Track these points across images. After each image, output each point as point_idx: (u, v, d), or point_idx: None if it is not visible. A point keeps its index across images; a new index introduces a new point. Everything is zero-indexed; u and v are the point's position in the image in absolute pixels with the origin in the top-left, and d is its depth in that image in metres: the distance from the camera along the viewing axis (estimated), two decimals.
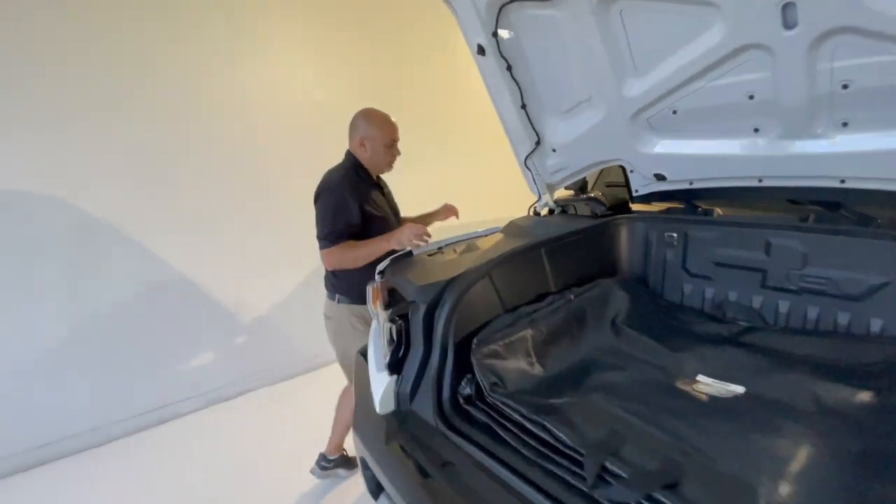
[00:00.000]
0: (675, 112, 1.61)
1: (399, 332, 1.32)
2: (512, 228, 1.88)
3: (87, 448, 2.61)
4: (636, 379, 1.28)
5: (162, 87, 2.70)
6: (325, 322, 2.09)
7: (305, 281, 3.42)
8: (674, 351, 1.39)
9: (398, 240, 1.74)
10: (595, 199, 2.02)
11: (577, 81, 1.75)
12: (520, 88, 1.86)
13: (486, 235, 1.97)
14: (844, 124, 1.33)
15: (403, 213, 2.18)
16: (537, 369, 1.30)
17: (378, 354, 1.43)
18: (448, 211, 2.19)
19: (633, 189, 1.96)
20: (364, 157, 1.96)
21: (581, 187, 2.64)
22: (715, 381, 1.26)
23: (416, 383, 1.26)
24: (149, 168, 2.72)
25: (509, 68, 1.81)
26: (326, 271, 2.01)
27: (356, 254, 1.79)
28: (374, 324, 1.62)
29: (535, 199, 2.22)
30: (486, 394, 1.17)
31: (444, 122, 4.10)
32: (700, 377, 1.29)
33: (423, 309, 1.28)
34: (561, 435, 0.99)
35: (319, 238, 1.82)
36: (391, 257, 1.68)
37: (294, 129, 3.26)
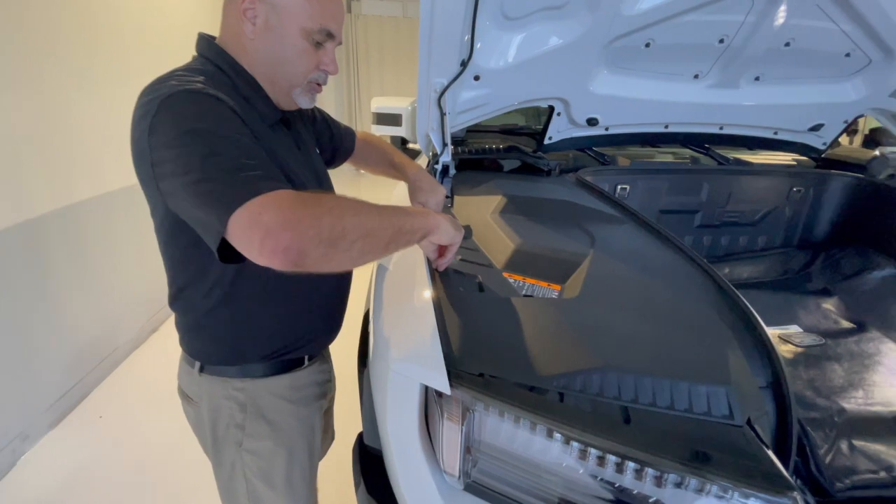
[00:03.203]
0: (647, 45, 1.40)
1: None
2: (525, 204, 1.19)
3: None
4: None
5: None
6: (183, 406, 1.00)
7: None
8: None
9: (440, 230, 0.79)
10: (518, 149, 1.56)
11: None
12: None
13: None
14: (757, 78, 1.55)
15: None
16: None
17: None
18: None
19: (547, 136, 1.63)
20: (251, 54, 0.80)
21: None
22: (778, 328, 1.31)
23: None
24: None
25: None
26: (178, 295, 0.86)
27: (359, 221, 0.65)
28: None
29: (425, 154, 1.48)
30: None
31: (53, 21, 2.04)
32: None
33: None
34: None
35: (218, 201, 0.61)
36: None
37: None
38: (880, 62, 1.42)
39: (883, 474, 0.76)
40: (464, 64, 1.29)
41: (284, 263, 0.58)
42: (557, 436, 0.64)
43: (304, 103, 0.87)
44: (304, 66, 0.82)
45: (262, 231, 0.57)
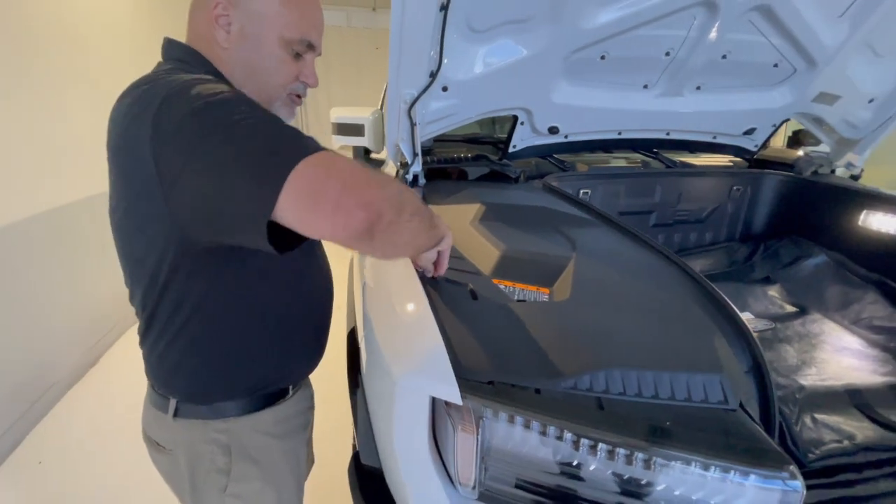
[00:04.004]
0: (603, 57, 1.48)
1: None
2: (502, 212, 1.21)
3: None
4: None
5: None
6: (151, 455, 0.90)
7: None
8: None
9: (448, 237, 0.82)
10: (486, 158, 1.59)
11: None
12: None
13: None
14: (698, 88, 1.67)
15: None
16: None
17: None
18: None
19: (511, 144, 1.68)
20: (226, 63, 0.75)
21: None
22: None
23: None
24: None
25: None
26: (152, 328, 0.77)
27: (408, 197, 0.62)
28: None
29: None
30: None
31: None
32: None
33: None
34: None
35: (273, 158, 0.52)
36: None
37: None
38: (804, 71, 1.59)
39: (846, 443, 0.85)
40: (433, 75, 1.31)
41: (359, 225, 0.52)
42: (569, 435, 0.66)
43: (284, 116, 0.83)
44: (282, 77, 0.78)
45: (339, 182, 0.51)
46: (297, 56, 0.78)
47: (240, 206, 0.54)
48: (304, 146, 0.53)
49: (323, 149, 0.55)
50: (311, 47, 0.79)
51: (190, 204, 0.59)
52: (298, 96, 0.84)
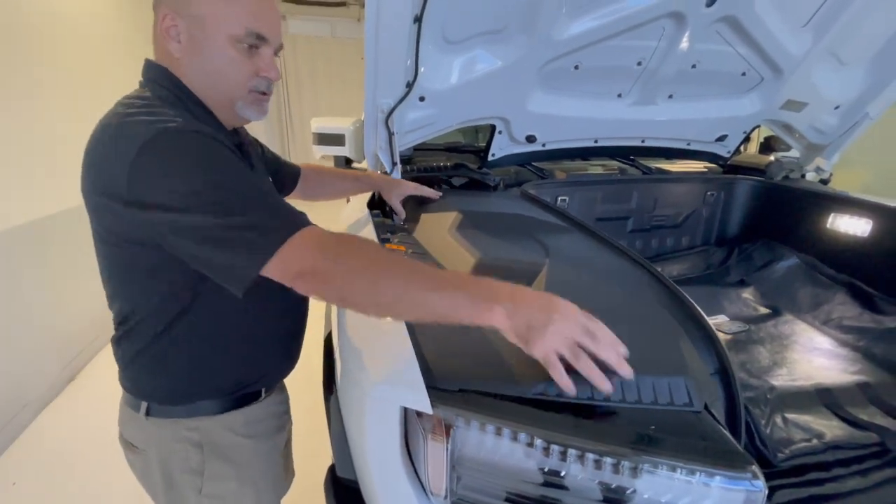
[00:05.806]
0: (576, 67, 1.51)
1: None
2: (482, 220, 1.22)
3: None
4: None
5: None
6: (126, 456, 0.91)
7: None
8: None
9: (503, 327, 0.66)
10: (465, 166, 1.60)
11: (496, 2, 1.26)
12: None
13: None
14: (670, 96, 1.71)
15: None
16: None
17: None
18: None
19: (490, 153, 1.69)
20: (185, 72, 0.77)
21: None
22: (709, 319, 1.44)
23: None
24: None
25: None
26: (130, 329, 0.80)
27: (414, 280, 0.66)
28: None
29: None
30: None
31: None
32: None
33: None
34: None
35: (248, 251, 0.66)
36: None
37: None
38: (771, 79, 1.64)
39: (815, 441, 0.87)
40: (409, 85, 1.32)
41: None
42: (539, 442, 0.66)
43: (252, 115, 0.82)
44: (239, 75, 0.77)
45: (291, 276, 0.67)
46: (252, 50, 0.77)
47: (221, 272, 0.69)
48: (289, 223, 0.67)
49: (291, 225, 0.67)
50: (261, 39, 0.77)
51: (171, 244, 0.68)
52: (263, 93, 0.82)
